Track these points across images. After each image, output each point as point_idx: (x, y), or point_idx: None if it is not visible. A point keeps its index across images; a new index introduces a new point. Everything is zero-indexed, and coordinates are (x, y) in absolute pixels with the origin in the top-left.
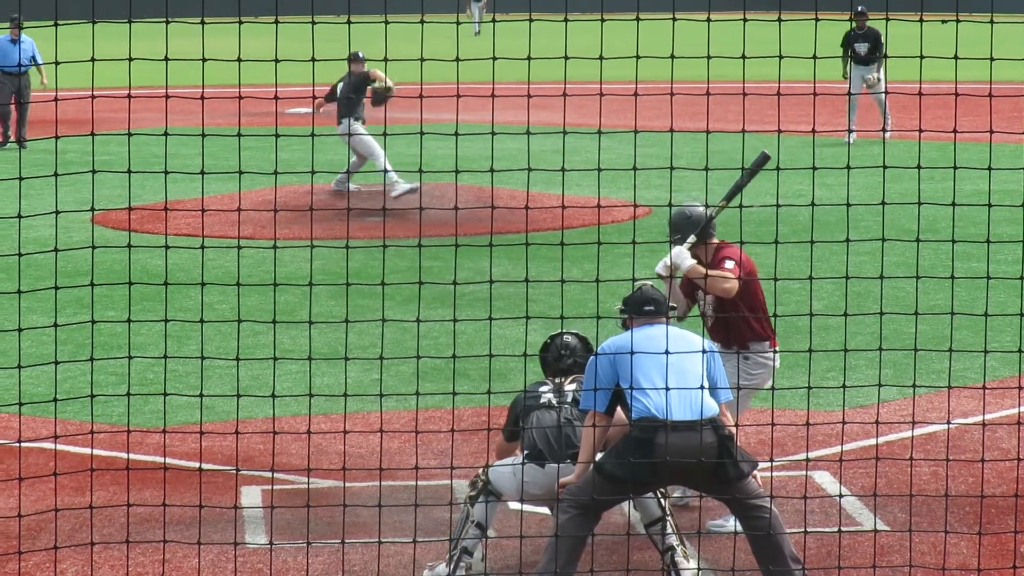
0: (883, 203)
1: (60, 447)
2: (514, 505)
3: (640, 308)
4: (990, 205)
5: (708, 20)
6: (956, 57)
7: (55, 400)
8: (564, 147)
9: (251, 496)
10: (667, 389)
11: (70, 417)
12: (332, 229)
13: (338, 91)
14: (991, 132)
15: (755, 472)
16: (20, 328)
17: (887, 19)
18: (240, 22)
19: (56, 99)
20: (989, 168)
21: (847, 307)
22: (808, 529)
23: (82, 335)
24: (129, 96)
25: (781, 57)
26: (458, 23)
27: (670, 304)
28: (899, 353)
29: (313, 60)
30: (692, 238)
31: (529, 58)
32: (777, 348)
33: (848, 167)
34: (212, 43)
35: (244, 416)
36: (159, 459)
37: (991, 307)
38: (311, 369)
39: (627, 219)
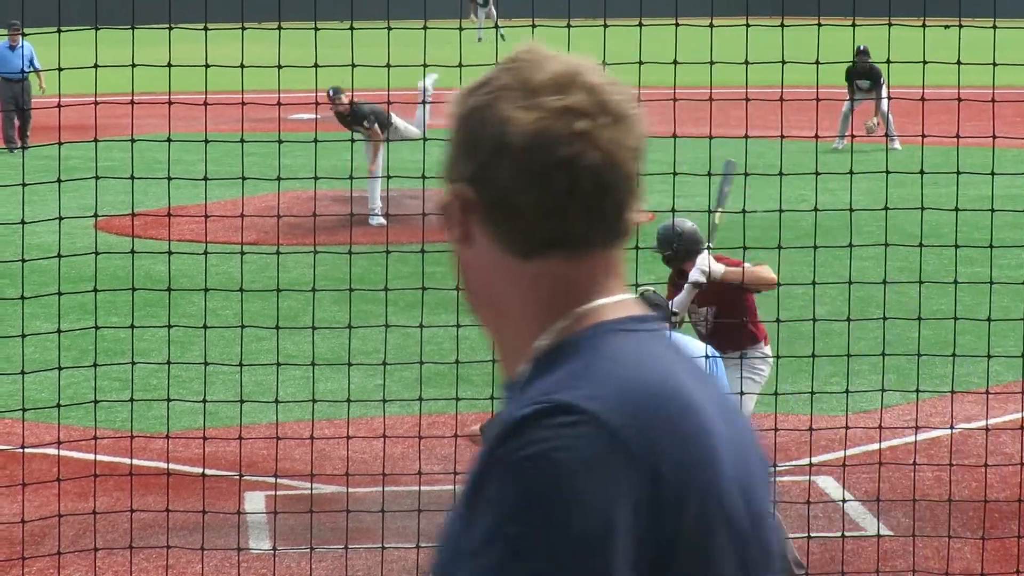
0: (886, 208)
1: (63, 453)
2: None
3: None
4: (993, 210)
5: (711, 25)
6: (959, 62)
7: (58, 406)
8: None
9: (254, 502)
10: None
11: (73, 423)
12: (335, 235)
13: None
14: (994, 137)
15: None
16: (23, 334)
17: (889, 24)
18: (243, 28)
19: (59, 105)
20: (992, 173)
21: (850, 312)
22: (811, 534)
23: (85, 341)
24: (132, 102)
25: (784, 62)
26: (461, 29)
27: (672, 311)
28: (902, 358)
29: (316, 66)
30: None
31: None
32: (768, 343)
33: (851, 172)
34: (215, 49)
35: (247, 422)
36: (162, 465)
37: (994, 312)
38: (314, 374)
39: None
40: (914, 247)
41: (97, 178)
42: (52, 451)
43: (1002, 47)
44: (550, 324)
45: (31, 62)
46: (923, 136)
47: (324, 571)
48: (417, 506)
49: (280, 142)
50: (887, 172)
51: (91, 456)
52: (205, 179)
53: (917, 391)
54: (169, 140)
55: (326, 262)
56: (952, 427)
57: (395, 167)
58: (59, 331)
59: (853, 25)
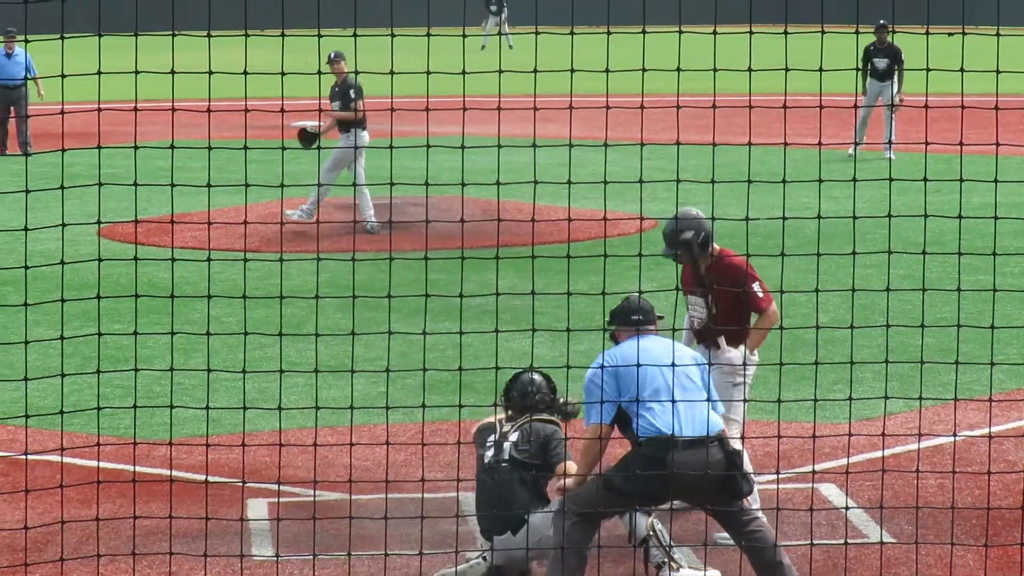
0: (889, 216)
1: (67, 459)
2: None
3: (628, 318)
4: (996, 218)
5: (715, 33)
6: (962, 70)
7: (61, 412)
8: (570, 160)
9: (257, 508)
10: (673, 402)
11: (76, 430)
12: (338, 242)
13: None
14: (997, 145)
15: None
16: (27, 341)
17: (893, 32)
18: (246, 35)
19: (62, 112)
20: (995, 180)
21: (853, 320)
22: (814, 541)
23: (89, 348)
24: (135, 109)
25: (787, 70)
26: (464, 35)
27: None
28: (905, 366)
29: (319, 73)
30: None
31: (536, 71)
32: None
33: (854, 180)
34: (218, 56)
35: (250, 429)
36: (165, 471)
37: (997, 320)
38: (317, 382)
39: (633, 232)
40: (917, 255)
41: (100, 185)
42: (55, 458)
43: (1006, 55)
44: None
45: (28, 69)
46: (926, 144)
47: None
48: (420, 513)
49: (283, 149)
50: (890, 180)
51: (94, 463)
52: (208, 186)
53: (920, 399)
54: (172, 147)
55: (329, 269)
56: (955, 435)
57: (397, 175)
58: (62, 338)
59: (856, 33)
